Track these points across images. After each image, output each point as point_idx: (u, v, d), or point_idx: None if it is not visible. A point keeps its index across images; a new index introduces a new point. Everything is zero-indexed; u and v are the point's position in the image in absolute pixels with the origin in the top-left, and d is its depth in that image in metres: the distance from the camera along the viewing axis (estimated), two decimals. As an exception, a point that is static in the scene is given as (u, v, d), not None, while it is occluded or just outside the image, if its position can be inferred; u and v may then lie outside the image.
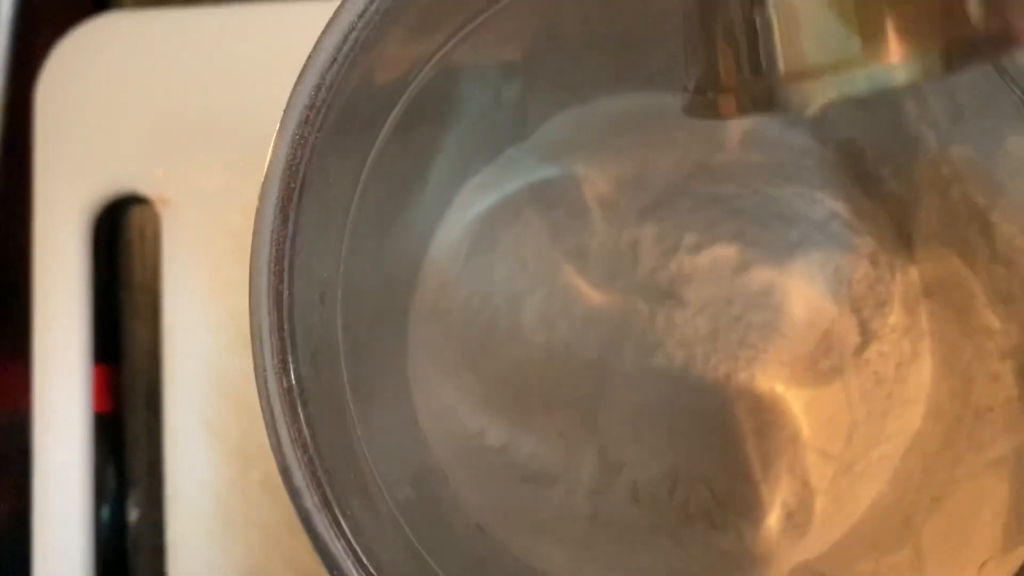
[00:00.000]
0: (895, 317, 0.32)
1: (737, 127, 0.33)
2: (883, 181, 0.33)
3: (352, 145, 0.24)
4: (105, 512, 0.37)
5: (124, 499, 0.38)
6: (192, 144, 0.39)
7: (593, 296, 0.33)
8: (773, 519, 0.32)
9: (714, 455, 0.32)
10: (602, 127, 0.34)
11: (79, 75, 0.40)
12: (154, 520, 0.37)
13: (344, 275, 0.24)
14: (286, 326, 0.19)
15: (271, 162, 0.20)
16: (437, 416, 0.32)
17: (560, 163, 0.34)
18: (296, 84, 0.21)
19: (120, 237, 0.40)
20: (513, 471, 0.32)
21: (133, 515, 0.38)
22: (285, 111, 0.21)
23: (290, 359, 0.19)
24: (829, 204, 0.33)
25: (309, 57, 0.21)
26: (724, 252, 0.33)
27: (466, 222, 0.33)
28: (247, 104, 0.38)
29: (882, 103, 0.30)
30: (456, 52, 0.26)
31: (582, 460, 0.33)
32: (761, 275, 0.33)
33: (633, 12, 0.30)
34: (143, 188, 0.39)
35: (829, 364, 0.33)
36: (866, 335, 0.32)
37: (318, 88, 0.21)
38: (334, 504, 0.19)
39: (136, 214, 0.40)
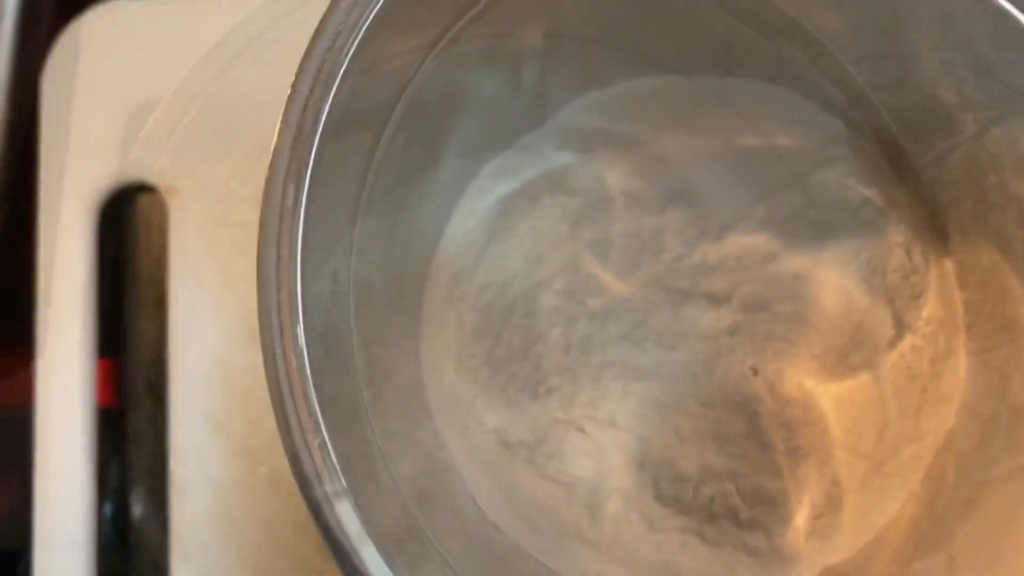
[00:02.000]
0: (929, 309, 0.31)
1: (767, 108, 0.32)
2: (918, 168, 0.31)
3: (359, 133, 0.24)
4: (108, 508, 0.37)
5: (127, 495, 0.38)
6: (201, 134, 0.38)
7: (614, 287, 0.32)
8: (801, 519, 0.31)
9: (740, 452, 0.31)
10: (623, 111, 0.33)
11: (85, 63, 0.39)
12: (158, 516, 0.37)
13: (356, 256, 0.24)
14: (297, 302, 0.18)
15: (277, 144, 0.20)
16: (452, 411, 0.31)
17: (580, 149, 0.33)
18: (296, 76, 0.20)
19: (126, 227, 0.40)
20: (531, 469, 0.31)
21: (137, 511, 0.38)
22: (286, 106, 0.20)
23: (301, 337, 0.18)
24: (862, 191, 0.32)
25: (307, 48, 0.21)
26: (752, 240, 0.32)
27: (482, 209, 0.32)
28: (257, 94, 0.37)
29: (916, 88, 0.30)
30: (465, 35, 0.25)
31: (604, 458, 0.31)
32: (791, 264, 0.32)
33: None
34: (150, 177, 0.38)
35: (861, 358, 0.32)
36: (900, 328, 0.31)
37: (316, 78, 0.20)
38: (345, 495, 0.18)
39: (143, 204, 0.39)
